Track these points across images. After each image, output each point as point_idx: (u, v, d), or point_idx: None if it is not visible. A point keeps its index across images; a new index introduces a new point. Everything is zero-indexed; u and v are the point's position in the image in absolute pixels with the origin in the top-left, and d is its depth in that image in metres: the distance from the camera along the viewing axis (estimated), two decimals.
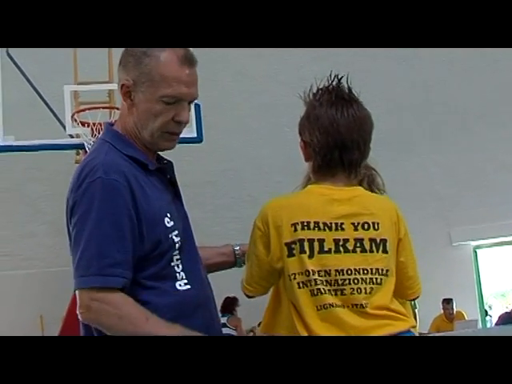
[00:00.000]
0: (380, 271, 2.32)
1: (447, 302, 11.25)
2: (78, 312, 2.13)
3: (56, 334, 9.09)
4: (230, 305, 9.95)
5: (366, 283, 2.30)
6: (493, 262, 13.77)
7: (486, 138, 11.85)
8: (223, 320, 9.86)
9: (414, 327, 2.39)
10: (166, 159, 2.43)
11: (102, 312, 2.09)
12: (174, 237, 2.23)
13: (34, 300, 10.50)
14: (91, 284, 2.09)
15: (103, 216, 2.10)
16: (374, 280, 2.31)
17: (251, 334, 9.97)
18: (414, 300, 2.54)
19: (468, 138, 11.87)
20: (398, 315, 2.34)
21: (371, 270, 2.31)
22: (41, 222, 10.85)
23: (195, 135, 8.02)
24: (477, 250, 12.52)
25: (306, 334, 2.27)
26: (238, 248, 2.64)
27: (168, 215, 2.23)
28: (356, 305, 2.28)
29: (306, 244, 2.29)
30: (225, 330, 9.80)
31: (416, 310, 11.19)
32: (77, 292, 2.13)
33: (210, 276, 2.50)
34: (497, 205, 11.76)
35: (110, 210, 2.11)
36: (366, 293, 2.29)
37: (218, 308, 2.54)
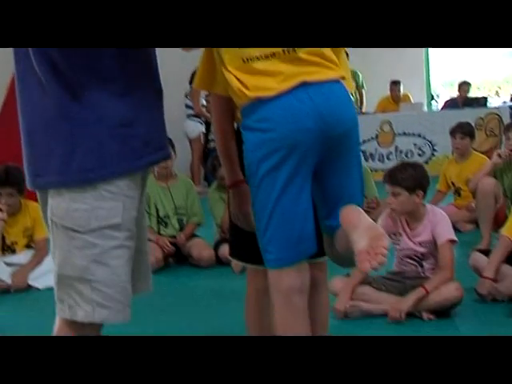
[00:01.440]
0: None
1: (395, 83, 11.40)
2: None
3: None
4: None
5: None
6: (443, 51, 13.88)
7: None
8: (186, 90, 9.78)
9: (344, 78, 2.42)
10: None
11: None
12: None
13: None
14: None
15: None
16: None
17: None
18: None
19: None
20: (330, 64, 2.34)
21: None
22: None
23: None
24: None
25: (236, 84, 2.27)
26: None
27: None
28: (288, 50, 2.25)
29: None
30: (186, 101, 9.87)
31: (363, 91, 11.45)
32: None
33: None
34: None
35: None
36: None
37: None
